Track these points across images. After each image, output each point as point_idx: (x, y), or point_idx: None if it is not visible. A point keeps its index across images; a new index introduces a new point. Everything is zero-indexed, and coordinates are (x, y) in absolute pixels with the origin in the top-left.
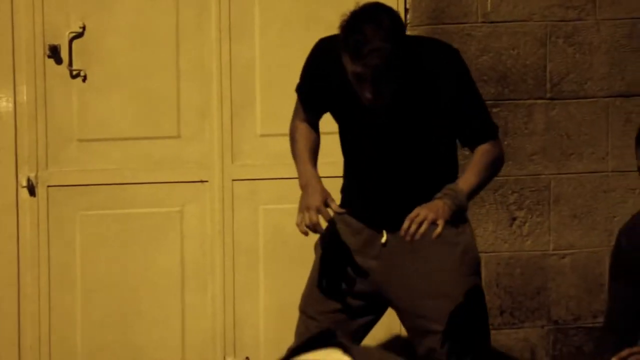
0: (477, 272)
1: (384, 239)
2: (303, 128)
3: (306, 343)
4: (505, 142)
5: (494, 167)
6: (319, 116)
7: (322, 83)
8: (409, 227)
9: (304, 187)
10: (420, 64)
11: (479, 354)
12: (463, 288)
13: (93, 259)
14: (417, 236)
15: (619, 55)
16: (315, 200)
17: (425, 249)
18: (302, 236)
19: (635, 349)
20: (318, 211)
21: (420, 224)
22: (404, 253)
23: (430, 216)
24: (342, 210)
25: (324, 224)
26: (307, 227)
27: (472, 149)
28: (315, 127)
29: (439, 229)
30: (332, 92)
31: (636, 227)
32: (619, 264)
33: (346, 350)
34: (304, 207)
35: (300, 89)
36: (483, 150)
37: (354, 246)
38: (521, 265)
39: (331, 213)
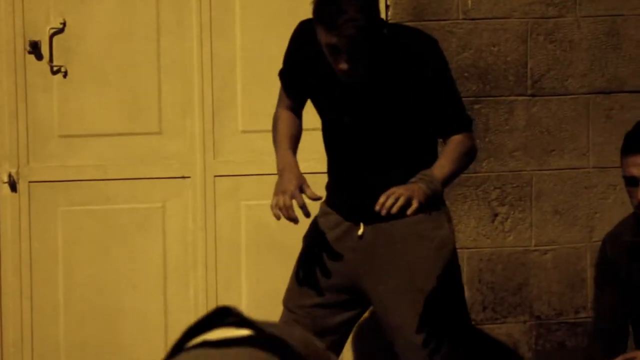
0: (453, 267)
1: (360, 231)
2: (285, 115)
3: (200, 324)
4: (487, 139)
5: (467, 157)
6: (301, 102)
7: (303, 65)
8: (385, 201)
9: (280, 171)
10: (399, 50)
11: (455, 349)
12: (438, 283)
13: (75, 255)
14: (394, 209)
15: (599, 52)
16: (291, 185)
17: (401, 242)
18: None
19: (628, 355)
20: (292, 196)
21: (396, 200)
22: (380, 246)
23: (406, 194)
24: (317, 196)
25: (298, 211)
26: (280, 211)
27: (445, 140)
28: (298, 115)
29: (414, 206)
30: (312, 74)
31: (621, 234)
32: (605, 272)
33: (242, 325)
34: (279, 191)
35: (282, 73)
36: (457, 141)
37: (332, 239)
38: (503, 261)
39: (305, 198)
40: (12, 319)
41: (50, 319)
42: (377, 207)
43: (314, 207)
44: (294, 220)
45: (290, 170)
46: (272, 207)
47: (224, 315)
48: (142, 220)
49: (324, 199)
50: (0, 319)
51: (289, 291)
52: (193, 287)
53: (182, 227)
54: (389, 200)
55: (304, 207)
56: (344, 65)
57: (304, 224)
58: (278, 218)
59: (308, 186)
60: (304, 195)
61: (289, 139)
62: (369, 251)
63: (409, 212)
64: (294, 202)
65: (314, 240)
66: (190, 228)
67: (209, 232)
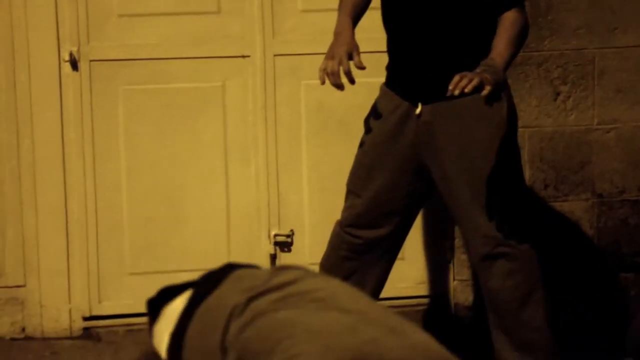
0: (512, 148)
1: (418, 110)
2: None
3: (159, 298)
4: (549, 17)
5: (522, 37)
6: None
7: None
8: (459, 81)
9: (335, 35)
10: None
11: (516, 228)
12: (497, 163)
13: (136, 134)
14: (469, 88)
15: None
16: (340, 51)
17: (459, 122)
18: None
19: None
20: (340, 62)
21: (470, 81)
22: (438, 125)
23: (479, 77)
24: (362, 66)
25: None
26: (327, 76)
27: (497, 17)
28: None
29: (487, 89)
30: None
31: None
32: None
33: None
34: (328, 56)
35: None
36: (511, 20)
37: (393, 121)
38: (565, 139)
39: (352, 65)
40: (76, 197)
41: (113, 196)
42: (452, 86)
43: (375, 90)
44: (339, 86)
45: (344, 36)
46: (319, 70)
47: (176, 291)
48: (202, 100)
49: (385, 79)
50: (65, 197)
51: (353, 174)
52: (254, 165)
53: (242, 106)
54: (463, 80)
55: (348, 74)
56: None
57: (365, 106)
58: (322, 82)
59: (358, 54)
60: (351, 62)
61: (352, 6)
62: (428, 131)
63: (482, 93)
64: (341, 68)
65: (375, 123)
66: (250, 107)
67: (268, 111)
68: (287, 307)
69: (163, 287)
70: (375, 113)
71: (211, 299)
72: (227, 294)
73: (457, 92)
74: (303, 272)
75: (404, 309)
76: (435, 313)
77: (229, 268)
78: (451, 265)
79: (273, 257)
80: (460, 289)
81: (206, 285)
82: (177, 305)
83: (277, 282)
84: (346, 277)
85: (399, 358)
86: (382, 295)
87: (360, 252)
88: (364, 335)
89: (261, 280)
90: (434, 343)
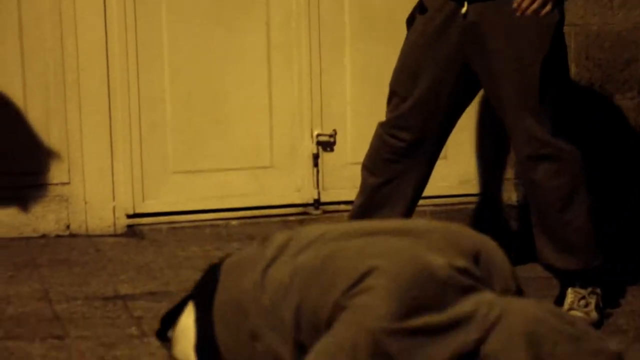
0: (560, 47)
1: (464, 9)
2: None
3: (170, 316)
4: None
5: None
6: None
7: None
8: (522, 1)
9: None
10: None
11: (561, 128)
12: (544, 62)
13: (179, 33)
14: (529, 12)
15: None
16: None
17: (507, 21)
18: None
19: None
20: None
21: (531, 2)
22: (485, 24)
23: None
24: None
25: None
26: None
27: None
28: None
29: (547, 8)
30: None
31: None
32: None
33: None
34: None
35: None
36: None
37: (438, 22)
38: (611, 38)
39: None
40: (119, 96)
41: (156, 95)
42: (515, 5)
43: None
44: None
45: None
46: None
47: (182, 306)
48: (246, 1)
49: None
50: (109, 95)
51: (397, 76)
52: (297, 65)
53: (286, 6)
54: (525, 1)
55: None
56: None
57: (410, 5)
58: None
59: None
60: None
61: None
62: (474, 31)
63: (542, 13)
64: None
65: (420, 21)
66: (294, 8)
67: (312, 10)
68: (312, 253)
69: (163, 316)
70: (420, 10)
71: (220, 296)
72: (235, 282)
73: (518, 14)
74: (289, 232)
75: (446, 207)
76: (479, 211)
77: (214, 267)
78: (495, 164)
79: (315, 157)
80: (504, 188)
81: (205, 289)
82: (185, 321)
83: (276, 246)
84: (389, 180)
85: (440, 247)
86: (425, 193)
87: (402, 155)
88: (399, 242)
89: (258, 255)
90: (452, 224)
